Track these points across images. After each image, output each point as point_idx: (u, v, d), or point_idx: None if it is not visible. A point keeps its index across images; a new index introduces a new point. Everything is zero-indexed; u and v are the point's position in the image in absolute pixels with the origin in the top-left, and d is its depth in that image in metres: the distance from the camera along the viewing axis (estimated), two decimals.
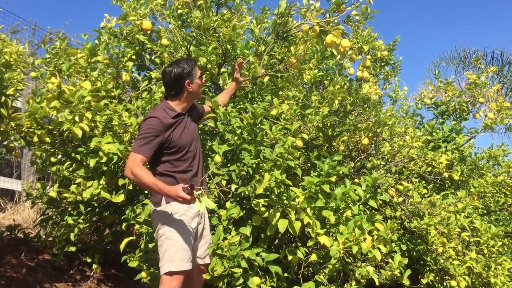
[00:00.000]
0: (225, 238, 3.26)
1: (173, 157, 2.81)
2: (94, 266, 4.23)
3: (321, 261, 3.48)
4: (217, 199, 3.40)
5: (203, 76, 3.20)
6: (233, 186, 3.32)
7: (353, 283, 3.42)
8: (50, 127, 3.82)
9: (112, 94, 4.03)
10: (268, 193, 3.25)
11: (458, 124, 6.17)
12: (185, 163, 2.85)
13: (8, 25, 9.19)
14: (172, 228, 2.72)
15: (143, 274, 3.50)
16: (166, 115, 2.82)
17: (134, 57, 4.36)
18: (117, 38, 4.28)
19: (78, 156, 3.70)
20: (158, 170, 2.81)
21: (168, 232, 2.72)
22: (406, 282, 3.52)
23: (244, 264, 3.16)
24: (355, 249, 3.21)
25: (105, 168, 3.59)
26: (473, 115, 6.37)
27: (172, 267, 2.65)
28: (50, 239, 4.39)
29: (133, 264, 3.52)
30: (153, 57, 4.51)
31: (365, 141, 4.64)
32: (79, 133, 3.52)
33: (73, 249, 4.17)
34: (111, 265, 4.59)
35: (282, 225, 3.17)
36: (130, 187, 3.74)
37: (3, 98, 3.58)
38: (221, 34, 3.97)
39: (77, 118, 3.56)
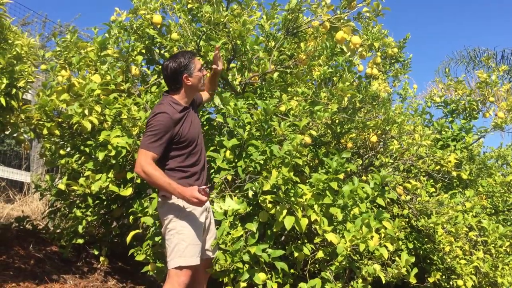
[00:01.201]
0: (228, 233, 3.26)
1: (183, 151, 2.79)
2: (101, 258, 4.26)
3: (328, 258, 3.48)
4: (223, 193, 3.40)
5: (205, 68, 3.07)
6: (250, 193, 3.25)
7: (360, 280, 3.42)
8: (59, 120, 3.84)
9: (122, 87, 4.04)
10: (275, 189, 3.25)
11: (467, 123, 6.13)
12: (195, 157, 2.84)
13: (19, 17, 9.25)
14: (183, 222, 2.71)
15: (150, 267, 3.52)
16: (174, 110, 2.78)
17: (143, 51, 4.37)
18: (127, 32, 4.29)
19: (87, 149, 3.72)
20: (168, 165, 2.78)
21: (179, 227, 2.70)
22: (412, 280, 3.52)
23: (246, 258, 3.17)
24: (362, 246, 3.21)
25: (113, 162, 3.61)
26: (483, 114, 6.33)
27: (183, 262, 2.65)
28: (58, 231, 4.42)
29: (140, 257, 3.54)
30: (162, 51, 4.51)
31: (374, 138, 4.62)
32: (88, 126, 3.53)
33: (80, 241, 4.19)
34: (118, 258, 4.62)
35: (289, 222, 3.17)
36: (138, 181, 3.76)
37: (13, 90, 3.59)
38: (231, 29, 3.96)
39: (86, 111, 3.57)
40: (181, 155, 2.79)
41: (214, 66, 3.25)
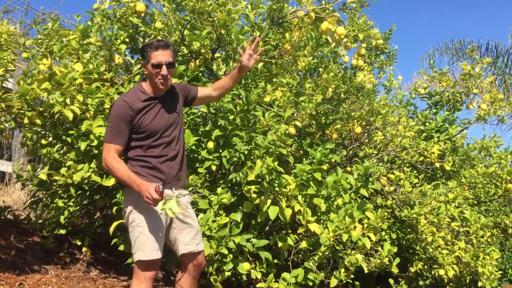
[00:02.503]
0: (214, 221, 3.26)
1: (143, 142, 2.66)
2: (84, 249, 4.23)
3: (311, 248, 3.51)
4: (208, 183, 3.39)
5: (166, 68, 2.62)
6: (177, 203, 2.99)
7: (342, 270, 3.45)
8: (41, 109, 3.79)
9: (104, 77, 3.99)
10: (259, 180, 3.25)
11: (451, 114, 6.19)
12: (158, 149, 2.68)
13: (0, 4, 9.06)
14: (141, 215, 2.61)
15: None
16: (136, 99, 2.65)
17: (127, 39, 4.31)
18: (110, 20, 4.22)
19: (69, 139, 3.68)
20: (129, 155, 2.68)
21: (138, 219, 2.60)
22: (395, 270, 3.56)
23: (232, 245, 3.17)
24: (345, 237, 3.23)
25: (96, 151, 3.57)
26: (467, 106, 6.40)
27: (142, 256, 2.56)
28: (40, 221, 4.38)
29: (123, 247, 3.52)
30: (146, 40, 4.46)
31: (358, 129, 4.64)
32: (70, 115, 3.49)
33: (63, 232, 4.15)
34: (101, 249, 4.59)
35: (273, 212, 3.18)
36: None
37: None
38: (215, 18, 3.92)
39: (68, 101, 3.52)
40: (142, 146, 2.66)
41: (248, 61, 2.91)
